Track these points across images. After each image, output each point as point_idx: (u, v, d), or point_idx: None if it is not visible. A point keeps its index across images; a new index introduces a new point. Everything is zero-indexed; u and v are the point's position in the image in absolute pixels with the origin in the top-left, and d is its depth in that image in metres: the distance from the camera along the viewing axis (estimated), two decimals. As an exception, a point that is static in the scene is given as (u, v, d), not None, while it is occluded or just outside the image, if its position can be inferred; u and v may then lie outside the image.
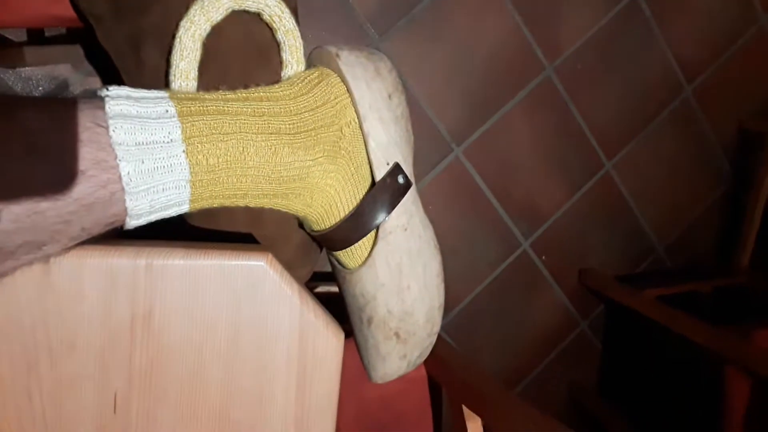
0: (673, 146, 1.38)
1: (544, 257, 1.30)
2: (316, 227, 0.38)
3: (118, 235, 0.32)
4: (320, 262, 0.48)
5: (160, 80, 0.37)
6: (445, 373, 0.68)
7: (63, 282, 0.30)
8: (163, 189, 0.29)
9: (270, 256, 0.33)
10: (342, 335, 0.35)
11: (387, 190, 0.37)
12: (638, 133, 1.33)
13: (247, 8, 0.36)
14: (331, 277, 0.73)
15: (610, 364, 1.44)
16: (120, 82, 0.43)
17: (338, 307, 0.43)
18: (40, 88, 0.90)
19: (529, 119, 1.21)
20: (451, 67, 1.13)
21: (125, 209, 0.29)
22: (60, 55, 0.92)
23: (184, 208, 0.32)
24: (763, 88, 1.45)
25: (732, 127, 1.44)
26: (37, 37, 0.87)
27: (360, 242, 0.38)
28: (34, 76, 0.91)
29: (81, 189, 0.27)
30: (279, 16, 0.37)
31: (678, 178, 1.41)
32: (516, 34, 1.16)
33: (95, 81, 0.94)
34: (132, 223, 0.30)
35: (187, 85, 0.35)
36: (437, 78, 1.12)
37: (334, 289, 0.82)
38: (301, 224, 0.42)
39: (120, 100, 0.29)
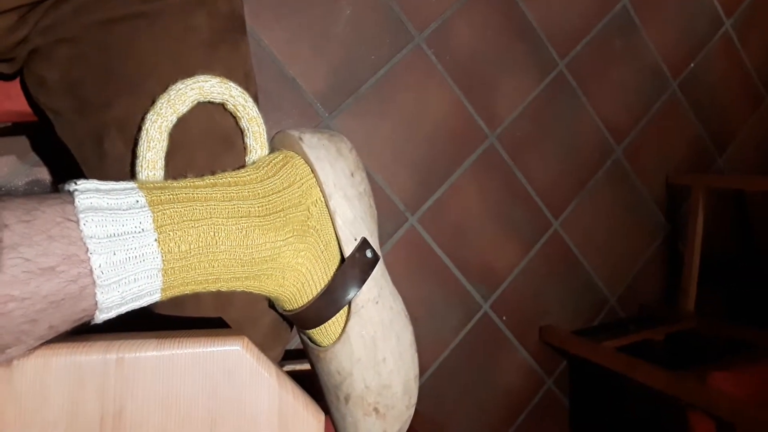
0: (611, 202, 1.47)
1: (504, 318, 1.32)
2: (288, 307, 0.38)
3: (84, 331, 0.30)
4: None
5: (124, 171, 0.38)
6: (421, 446, 0.67)
7: (26, 387, 0.28)
8: (135, 279, 0.29)
9: (246, 339, 0.33)
10: (322, 416, 0.34)
11: (356, 265, 0.38)
12: (579, 192, 1.41)
13: (212, 99, 0.37)
14: (297, 354, 0.72)
15: (580, 419, 1.44)
16: (74, 173, 0.43)
17: (308, 385, 0.42)
18: (-18, 182, 0.88)
19: (478, 185, 1.27)
20: (399, 141, 1.18)
21: (95, 303, 0.28)
22: (4, 148, 0.90)
23: (156, 298, 0.31)
24: (681, 144, 1.59)
25: (661, 182, 1.56)
26: (-21, 130, 0.85)
27: (333, 319, 0.38)
28: (-24, 169, 0.88)
29: (51, 286, 0.26)
30: (243, 105, 0.38)
31: (619, 231, 1.49)
32: (458, 106, 1.24)
33: (41, 171, 0.92)
34: (101, 317, 0.29)
35: (155, 174, 0.35)
36: (387, 151, 1.17)
37: (301, 366, 0.79)
38: (271, 305, 0.42)
39: (89, 193, 0.29)
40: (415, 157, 1.20)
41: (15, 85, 0.48)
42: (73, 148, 0.40)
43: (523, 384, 1.36)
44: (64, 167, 0.92)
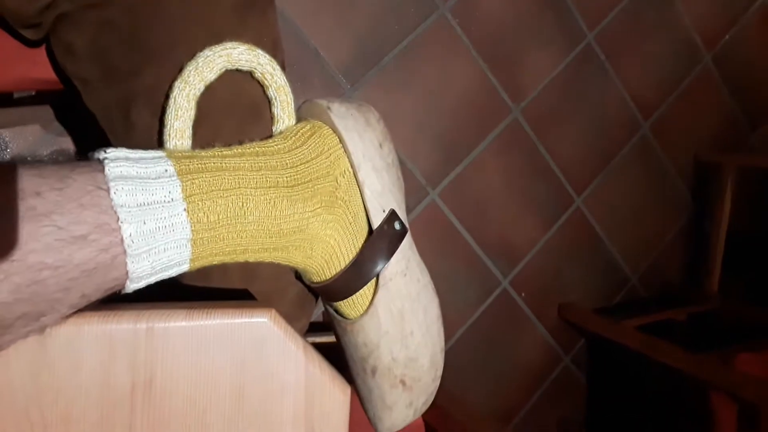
0: (637, 180, 1.44)
1: (523, 294, 1.31)
2: (316, 278, 0.38)
3: (112, 300, 0.31)
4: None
5: (151, 140, 0.37)
6: (442, 419, 0.67)
7: (59, 354, 0.28)
8: (165, 249, 0.29)
9: (273, 311, 0.32)
10: (348, 389, 0.34)
11: (385, 237, 0.37)
12: (603, 169, 1.38)
13: (240, 67, 0.36)
14: (319, 327, 0.72)
15: (596, 398, 1.44)
16: (100, 142, 0.42)
17: (331, 357, 0.42)
18: (9, 150, 0.88)
19: (501, 160, 1.25)
20: (422, 114, 1.16)
21: (126, 272, 0.28)
22: (28, 117, 0.91)
23: (184, 268, 0.31)
24: (712, 121, 1.54)
25: (688, 159, 1.52)
26: (4, 98, 0.85)
27: (360, 291, 0.37)
28: (2, 137, 0.89)
29: (83, 254, 0.26)
30: (271, 74, 0.37)
31: (643, 209, 1.46)
32: (482, 79, 1.21)
33: (65, 141, 0.92)
34: (132, 286, 0.29)
35: (182, 143, 0.35)
36: (409, 124, 1.15)
37: (323, 339, 0.80)
38: (297, 277, 0.42)
39: (119, 161, 0.28)
40: (438, 130, 1.18)
41: (41, 52, 0.47)
42: (100, 117, 0.40)
43: (540, 360, 1.36)
44: (88, 137, 0.93)
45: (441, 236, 1.20)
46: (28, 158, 0.28)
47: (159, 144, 0.36)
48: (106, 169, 0.28)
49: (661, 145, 1.46)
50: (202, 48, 0.35)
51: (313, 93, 1.08)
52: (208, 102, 0.36)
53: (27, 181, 0.25)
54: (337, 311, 0.40)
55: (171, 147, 0.35)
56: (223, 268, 0.38)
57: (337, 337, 0.42)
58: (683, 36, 1.46)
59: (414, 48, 1.13)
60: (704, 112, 1.52)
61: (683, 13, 1.44)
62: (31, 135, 0.90)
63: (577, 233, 1.36)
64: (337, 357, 0.42)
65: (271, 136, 0.38)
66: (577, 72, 1.31)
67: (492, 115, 1.23)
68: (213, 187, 0.31)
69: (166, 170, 0.30)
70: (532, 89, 1.27)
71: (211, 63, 0.35)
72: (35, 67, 0.48)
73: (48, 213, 0.25)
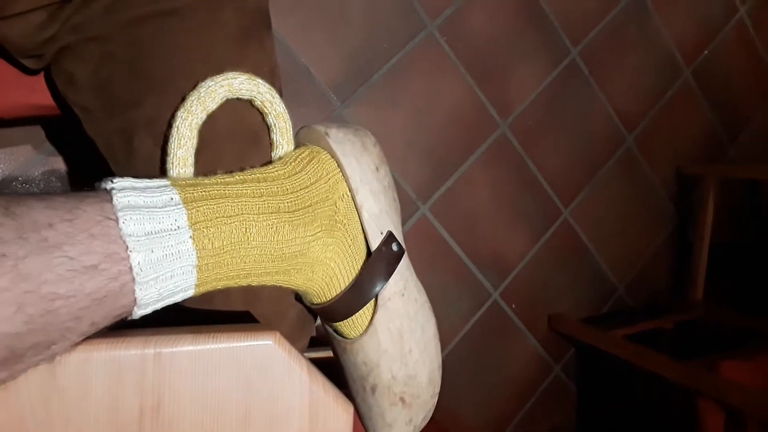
0: (622, 191, 1.47)
1: (513, 306, 1.33)
2: (316, 300, 0.39)
3: (119, 326, 0.31)
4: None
5: (153, 167, 0.38)
6: (437, 434, 0.68)
7: (69, 381, 0.29)
8: (171, 276, 0.30)
9: (277, 334, 0.33)
10: (351, 409, 0.35)
11: (383, 259, 0.38)
12: (589, 181, 1.41)
13: (240, 96, 0.37)
14: (316, 342, 0.73)
15: (587, 406, 1.45)
16: (94, 164, 0.43)
17: (329, 373, 0.43)
18: (-1, 171, 0.88)
19: (489, 174, 1.27)
20: (411, 130, 1.18)
21: (134, 299, 0.29)
22: (19, 137, 0.91)
23: (190, 293, 0.32)
24: (693, 133, 1.58)
25: (671, 171, 1.55)
26: (-5, 120, 0.85)
27: (360, 311, 0.38)
28: (-8, 159, 0.89)
29: (94, 283, 0.27)
30: (270, 102, 0.38)
31: (629, 220, 1.49)
32: (470, 95, 1.23)
33: (57, 161, 0.92)
34: (139, 312, 0.30)
35: (185, 171, 0.36)
36: (399, 141, 1.17)
37: (318, 354, 0.80)
38: (297, 298, 0.42)
39: (126, 191, 0.29)
40: (427, 146, 1.20)
41: (39, 80, 0.48)
42: (101, 144, 0.41)
43: (531, 370, 1.38)
44: (80, 158, 0.93)
45: (432, 250, 1.22)
46: (19, 178, 0.28)
47: (161, 171, 0.37)
48: (114, 199, 0.28)
49: (644, 156, 1.49)
50: (203, 78, 0.36)
51: (304, 110, 1.09)
52: (210, 130, 0.37)
53: (39, 213, 0.26)
54: (336, 331, 0.41)
55: (174, 175, 0.36)
56: (225, 292, 0.39)
57: (336, 355, 0.43)
58: (664, 51, 1.50)
59: (403, 65, 1.15)
60: (685, 124, 1.56)
61: (663, 29, 1.48)
62: (22, 155, 0.90)
63: (565, 245, 1.39)
64: (336, 372, 0.43)
65: (270, 161, 0.39)
66: (562, 87, 1.34)
67: (480, 131, 1.25)
68: (217, 214, 0.32)
69: (172, 198, 0.30)
70: (519, 104, 1.29)
71: (213, 93, 0.36)
72: (33, 94, 0.49)
73: (59, 244, 0.26)
